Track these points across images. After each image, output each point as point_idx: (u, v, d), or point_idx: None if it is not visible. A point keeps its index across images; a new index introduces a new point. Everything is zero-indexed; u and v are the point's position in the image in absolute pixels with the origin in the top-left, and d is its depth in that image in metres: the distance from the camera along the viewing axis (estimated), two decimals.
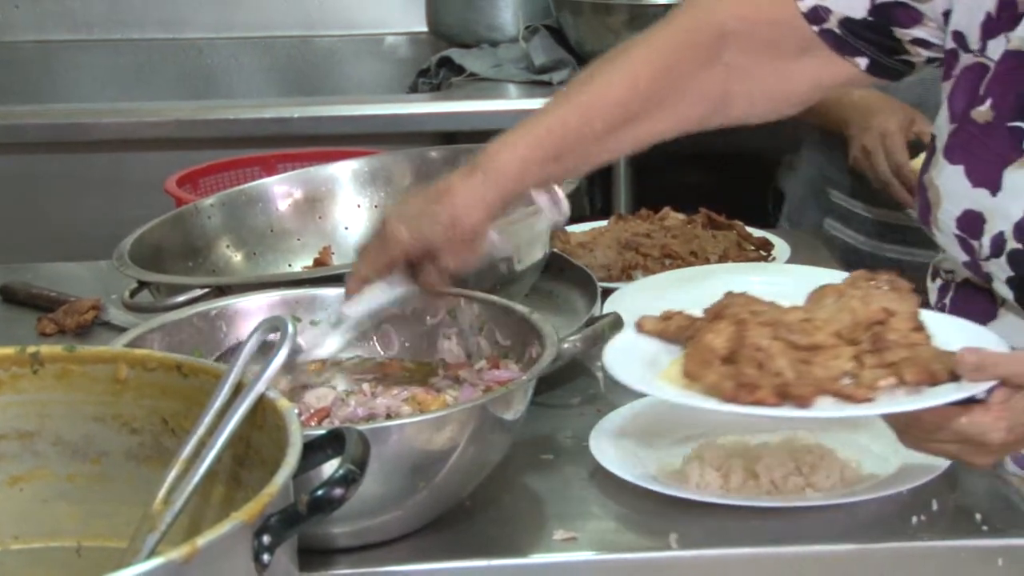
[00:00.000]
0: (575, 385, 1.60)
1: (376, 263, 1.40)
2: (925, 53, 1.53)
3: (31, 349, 1.17)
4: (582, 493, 1.39)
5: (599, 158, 1.48)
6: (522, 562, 1.30)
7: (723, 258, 1.96)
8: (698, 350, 1.29)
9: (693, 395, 1.28)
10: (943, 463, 1.36)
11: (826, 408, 1.25)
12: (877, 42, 1.51)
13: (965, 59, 1.48)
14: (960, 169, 1.46)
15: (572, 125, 1.43)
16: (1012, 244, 1.43)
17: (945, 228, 1.49)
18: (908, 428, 1.29)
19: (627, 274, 1.91)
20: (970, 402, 1.25)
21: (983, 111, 1.45)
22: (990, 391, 1.25)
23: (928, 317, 1.32)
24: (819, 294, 1.36)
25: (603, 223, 2.08)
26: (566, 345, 1.44)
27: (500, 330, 1.43)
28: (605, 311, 1.61)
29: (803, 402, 1.24)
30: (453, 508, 1.33)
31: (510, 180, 1.40)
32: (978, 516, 1.32)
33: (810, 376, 1.25)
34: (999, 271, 1.45)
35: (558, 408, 1.54)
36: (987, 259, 1.45)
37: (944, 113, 1.51)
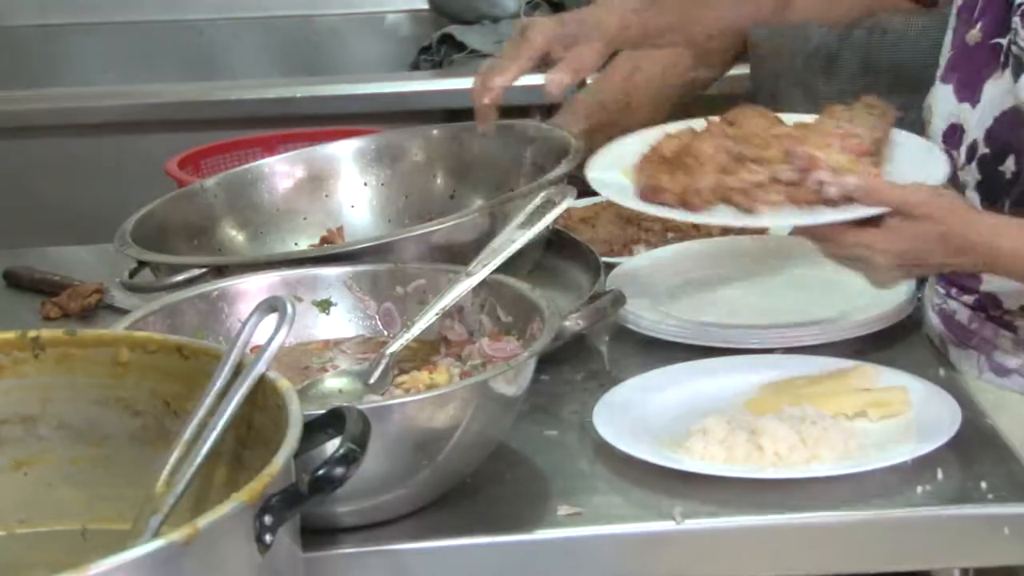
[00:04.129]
0: (579, 361, 1.60)
1: (515, 56, 1.53)
2: None
3: (32, 333, 1.17)
4: (586, 468, 1.39)
5: (685, 29, 1.66)
6: (527, 538, 1.30)
7: (727, 231, 1.95)
8: (653, 150, 1.41)
9: (617, 188, 1.42)
10: (948, 433, 1.36)
11: (718, 215, 1.38)
12: None
13: None
14: (949, 88, 1.55)
15: None
16: (982, 149, 1.51)
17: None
18: (818, 239, 1.41)
19: (628, 249, 1.90)
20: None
21: (975, 33, 1.54)
22: (889, 215, 1.36)
23: (901, 138, 1.47)
24: (830, 110, 1.47)
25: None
26: (568, 322, 1.44)
27: (502, 307, 1.43)
28: (608, 287, 1.61)
29: (696, 208, 1.37)
30: (457, 486, 1.33)
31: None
32: (983, 485, 1.32)
33: (722, 186, 1.36)
34: (970, 178, 1.53)
35: (562, 384, 1.54)
36: (962, 168, 1.54)
37: (947, 42, 1.59)
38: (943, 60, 1.60)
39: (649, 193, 1.40)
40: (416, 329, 1.40)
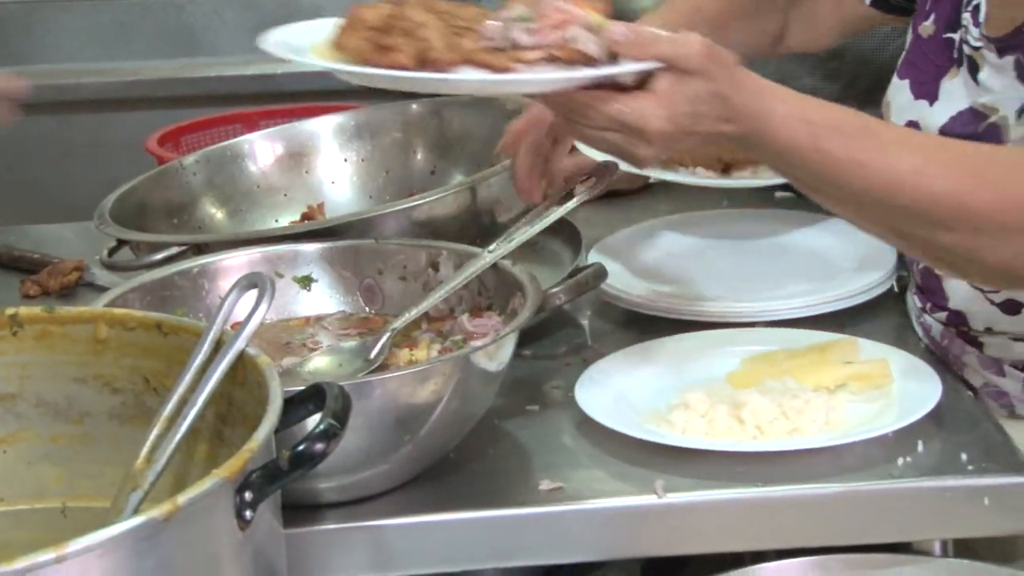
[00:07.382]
0: (561, 336, 1.60)
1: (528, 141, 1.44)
2: None
3: (10, 311, 1.17)
4: (568, 443, 1.39)
5: None
6: (509, 513, 1.30)
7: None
8: (349, 21, 1.24)
9: (333, 62, 1.24)
10: (928, 405, 1.36)
11: (465, 75, 1.21)
12: None
13: None
14: (907, 83, 1.51)
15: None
16: None
17: None
18: (569, 113, 1.25)
19: None
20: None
21: (927, 25, 1.50)
22: (654, 77, 1.21)
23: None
24: None
25: None
26: (549, 296, 1.44)
27: (483, 283, 1.43)
28: (589, 261, 1.61)
29: (441, 67, 1.19)
30: (439, 461, 1.33)
31: None
32: (963, 456, 1.33)
33: (457, 46, 1.21)
34: None
35: (544, 359, 1.54)
36: None
37: (908, 36, 1.56)
38: (902, 54, 1.55)
39: (377, 55, 1.20)
40: (424, 306, 1.39)
